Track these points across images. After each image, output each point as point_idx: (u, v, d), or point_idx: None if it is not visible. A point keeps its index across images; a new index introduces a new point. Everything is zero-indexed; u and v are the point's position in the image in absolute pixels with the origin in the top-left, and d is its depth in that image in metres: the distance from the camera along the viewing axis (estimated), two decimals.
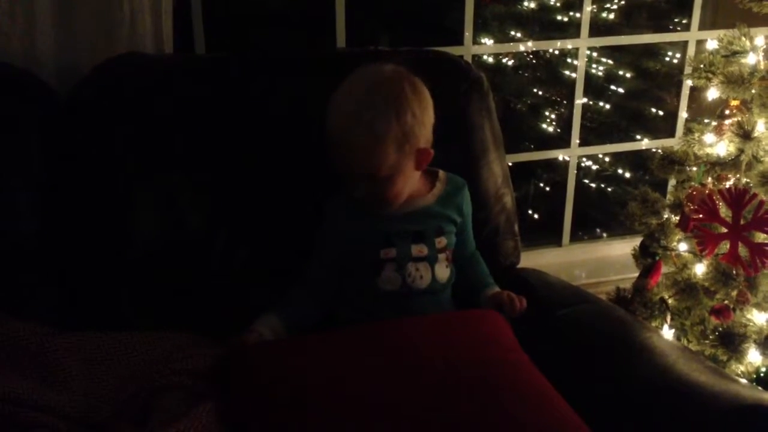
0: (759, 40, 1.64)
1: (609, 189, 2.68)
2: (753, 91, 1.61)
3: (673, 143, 1.93)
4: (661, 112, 2.50)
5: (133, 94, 1.36)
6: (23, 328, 1.15)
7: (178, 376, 1.13)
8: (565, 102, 2.37)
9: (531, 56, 2.44)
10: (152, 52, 1.52)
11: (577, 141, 2.23)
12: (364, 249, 1.28)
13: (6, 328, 1.14)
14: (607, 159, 2.61)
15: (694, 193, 1.65)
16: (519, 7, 2.38)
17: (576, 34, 2.11)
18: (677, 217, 1.71)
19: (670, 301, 1.73)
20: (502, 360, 1.16)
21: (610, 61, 2.56)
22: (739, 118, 1.62)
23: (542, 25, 2.34)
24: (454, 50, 1.89)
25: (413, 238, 1.29)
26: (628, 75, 2.55)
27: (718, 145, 1.67)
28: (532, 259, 2.12)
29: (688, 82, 1.86)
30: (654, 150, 1.80)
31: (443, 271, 1.31)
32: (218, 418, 1.04)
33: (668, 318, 1.72)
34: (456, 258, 1.35)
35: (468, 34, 1.96)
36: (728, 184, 1.66)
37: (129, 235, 1.33)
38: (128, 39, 1.48)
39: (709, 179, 1.69)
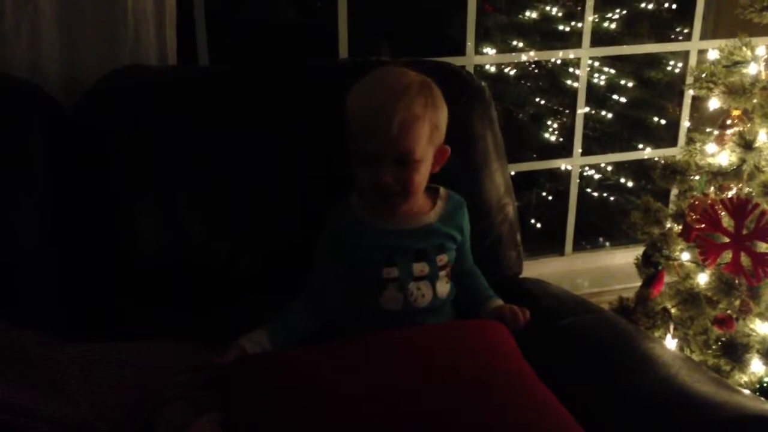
0: (760, 50, 1.64)
1: (611, 198, 2.68)
2: (754, 101, 1.61)
3: (675, 152, 1.93)
4: (663, 122, 2.51)
5: (136, 105, 1.37)
6: (25, 337, 1.15)
7: (181, 387, 1.13)
8: (567, 111, 2.37)
9: (533, 66, 2.45)
10: (156, 64, 1.53)
11: (580, 150, 2.23)
12: (366, 267, 1.27)
13: (7, 336, 1.15)
14: (609, 168, 2.62)
15: (697, 202, 1.66)
16: (521, 17, 2.40)
17: (578, 44, 2.12)
18: (680, 227, 1.71)
19: (672, 310, 1.73)
20: (504, 369, 1.16)
21: (612, 71, 2.56)
22: (741, 128, 1.62)
23: (544, 34, 2.35)
24: (456, 60, 1.90)
25: (415, 256, 1.28)
26: (629, 84, 2.56)
27: (720, 155, 1.67)
28: (535, 269, 2.12)
29: (690, 92, 1.86)
30: (656, 159, 1.80)
31: (444, 288, 1.31)
32: (221, 429, 1.04)
33: (671, 328, 1.72)
34: (454, 273, 1.35)
35: (470, 44, 1.97)
36: (730, 193, 1.66)
37: (132, 245, 1.34)
38: (132, 51, 1.49)
39: (711, 189, 1.69)
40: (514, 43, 2.33)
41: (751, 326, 1.64)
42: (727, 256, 1.60)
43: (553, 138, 2.51)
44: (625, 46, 2.27)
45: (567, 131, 2.30)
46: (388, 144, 1.19)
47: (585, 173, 2.57)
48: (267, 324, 1.25)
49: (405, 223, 1.29)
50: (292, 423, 1.04)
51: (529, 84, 2.51)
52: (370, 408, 1.04)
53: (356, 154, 1.23)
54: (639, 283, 1.82)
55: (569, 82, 2.36)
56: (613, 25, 2.39)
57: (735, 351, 1.58)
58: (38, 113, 1.34)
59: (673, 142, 2.32)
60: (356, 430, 1.02)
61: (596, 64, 2.50)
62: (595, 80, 2.53)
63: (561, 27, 2.36)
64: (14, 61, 1.43)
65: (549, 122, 2.53)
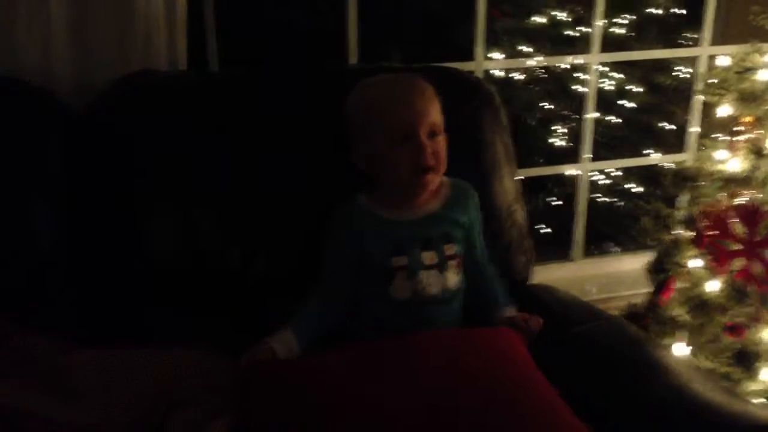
0: None
1: (620, 203, 2.68)
2: (766, 107, 1.61)
3: (684, 158, 1.92)
4: (672, 127, 2.50)
5: (147, 110, 1.37)
6: (40, 342, 1.16)
7: (193, 391, 1.13)
8: (575, 116, 2.37)
9: (542, 71, 2.45)
10: (166, 69, 1.53)
11: (589, 156, 2.23)
12: (375, 257, 1.28)
13: (23, 341, 1.15)
14: (618, 173, 2.61)
15: (708, 209, 1.65)
16: (530, 22, 2.40)
17: (587, 49, 2.12)
18: (690, 233, 1.71)
19: (683, 317, 1.72)
20: (515, 377, 1.16)
21: (621, 76, 2.56)
22: (753, 135, 1.62)
23: (553, 40, 2.35)
24: (465, 65, 1.90)
25: (423, 245, 1.30)
26: (638, 90, 2.56)
27: (731, 162, 1.67)
28: (543, 274, 2.11)
29: (700, 98, 1.86)
30: (664, 165, 1.80)
31: (453, 279, 1.31)
32: None
33: (681, 335, 1.71)
34: (465, 264, 1.35)
35: (479, 50, 1.96)
36: (742, 200, 1.65)
37: (145, 248, 1.34)
38: (143, 56, 1.49)
39: (723, 195, 1.69)
40: (523, 48, 2.33)
41: (762, 334, 1.63)
42: (739, 263, 1.59)
43: (561, 143, 2.51)
44: (634, 52, 2.26)
45: (575, 136, 2.30)
46: (422, 114, 1.26)
47: (593, 178, 2.56)
48: (290, 323, 1.26)
49: (411, 213, 1.31)
50: (311, 429, 1.04)
51: (537, 89, 2.51)
52: (386, 413, 1.04)
53: (388, 137, 1.26)
54: (648, 290, 1.81)
55: (578, 87, 2.35)
56: (623, 31, 2.38)
57: (746, 359, 1.58)
58: (52, 117, 1.34)
59: (681, 147, 2.31)
60: None
61: (605, 69, 2.50)
62: (604, 85, 2.52)
63: (570, 32, 2.36)
64: (26, 65, 1.43)
65: (557, 127, 2.53)
